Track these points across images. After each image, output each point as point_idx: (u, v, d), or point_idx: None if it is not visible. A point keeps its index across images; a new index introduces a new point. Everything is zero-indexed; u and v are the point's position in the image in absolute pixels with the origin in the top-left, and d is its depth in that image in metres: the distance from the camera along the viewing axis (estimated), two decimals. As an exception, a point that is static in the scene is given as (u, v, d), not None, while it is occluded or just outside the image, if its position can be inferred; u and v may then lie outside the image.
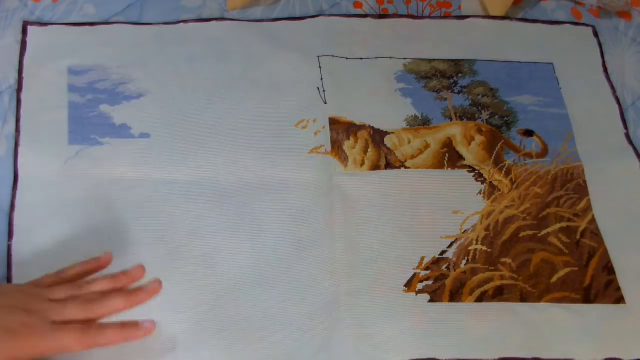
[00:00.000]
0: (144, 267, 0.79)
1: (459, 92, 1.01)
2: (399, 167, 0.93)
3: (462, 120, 0.98)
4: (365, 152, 0.94)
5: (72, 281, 0.77)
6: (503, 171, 0.94)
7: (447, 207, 0.91)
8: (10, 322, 0.69)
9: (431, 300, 0.84)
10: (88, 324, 0.73)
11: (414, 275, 0.85)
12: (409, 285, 0.85)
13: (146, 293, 0.77)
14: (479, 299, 0.84)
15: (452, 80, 1.02)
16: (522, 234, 0.90)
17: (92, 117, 0.92)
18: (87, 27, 1.00)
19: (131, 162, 0.90)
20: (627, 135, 1.00)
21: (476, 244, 0.88)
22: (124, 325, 0.74)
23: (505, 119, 0.99)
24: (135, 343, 0.75)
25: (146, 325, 0.75)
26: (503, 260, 0.88)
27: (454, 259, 0.87)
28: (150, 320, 0.75)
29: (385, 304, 0.83)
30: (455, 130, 0.97)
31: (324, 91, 0.99)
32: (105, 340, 0.72)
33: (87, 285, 0.76)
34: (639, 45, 1.10)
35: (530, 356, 0.81)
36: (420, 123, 0.98)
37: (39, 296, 0.73)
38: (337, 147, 0.94)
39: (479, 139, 0.97)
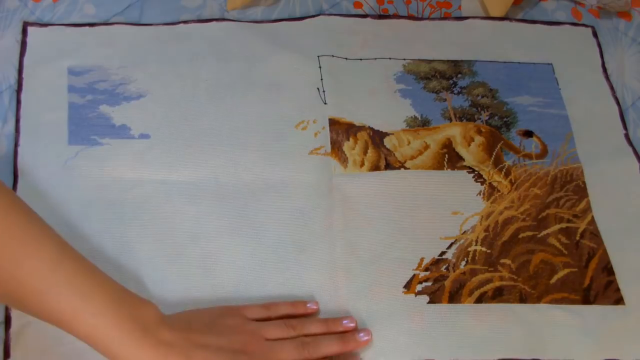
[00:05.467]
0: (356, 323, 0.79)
1: (459, 93, 1.01)
2: (398, 168, 0.93)
3: (461, 121, 0.98)
4: (365, 153, 0.94)
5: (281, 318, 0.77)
6: (502, 172, 0.94)
7: (447, 207, 0.91)
8: None
9: (430, 302, 0.84)
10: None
11: (414, 276, 0.85)
12: (408, 286, 0.85)
13: (357, 342, 0.78)
14: (479, 300, 0.84)
15: (451, 81, 1.02)
16: (521, 235, 0.90)
17: (91, 117, 0.92)
18: (87, 28, 1.00)
19: (131, 163, 0.89)
20: (627, 136, 1.00)
21: (475, 244, 0.88)
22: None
23: (505, 119, 0.99)
24: None
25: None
26: (502, 261, 0.88)
27: (454, 260, 0.87)
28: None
29: (384, 305, 0.83)
30: (455, 131, 0.97)
31: (323, 91, 0.98)
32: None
33: (300, 327, 0.76)
34: (639, 45, 1.10)
35: (529, 357, 0.81)
36: (419, 124, 0.98)
37: (255, 335, 0.73)
38: (336, 148, 0.94)
39: (479, 139, 0.97)
